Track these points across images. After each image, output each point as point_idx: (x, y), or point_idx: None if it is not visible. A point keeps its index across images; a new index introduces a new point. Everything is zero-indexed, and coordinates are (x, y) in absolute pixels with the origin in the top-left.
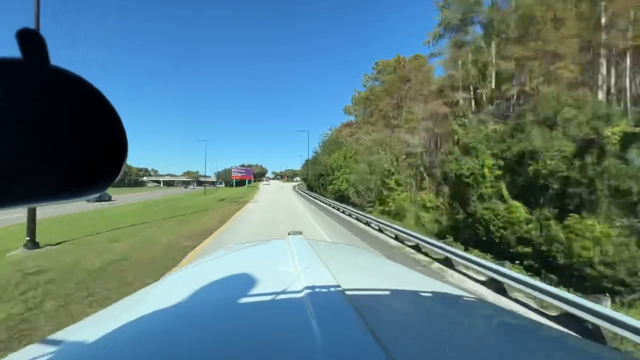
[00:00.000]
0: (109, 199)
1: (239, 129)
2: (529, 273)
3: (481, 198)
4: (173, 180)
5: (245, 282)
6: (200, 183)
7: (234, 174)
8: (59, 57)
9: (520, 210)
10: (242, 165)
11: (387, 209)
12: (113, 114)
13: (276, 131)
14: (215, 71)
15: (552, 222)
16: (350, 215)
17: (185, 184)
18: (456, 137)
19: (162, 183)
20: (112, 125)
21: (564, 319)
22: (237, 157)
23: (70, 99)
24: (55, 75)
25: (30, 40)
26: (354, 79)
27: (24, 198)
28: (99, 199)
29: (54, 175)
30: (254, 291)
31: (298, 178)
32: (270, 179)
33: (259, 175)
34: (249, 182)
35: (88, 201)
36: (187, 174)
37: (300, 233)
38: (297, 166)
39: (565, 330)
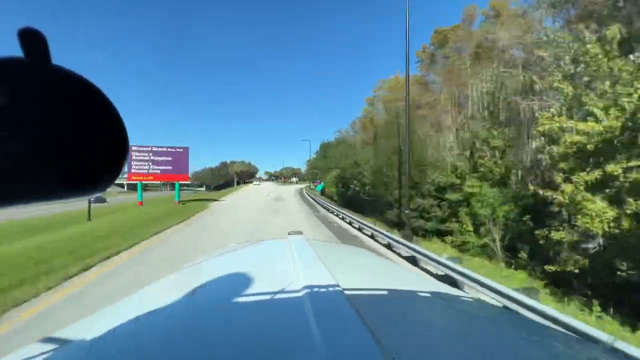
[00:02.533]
0: (104, 201)
1: (229, 127)
2: None
3: None
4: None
5: (245, 281)
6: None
7: (134, 170)
8: (59, 56)
9: None
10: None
11: None
12: (114, 113)
13: (269, 131)
14: (209, 68)
15: None
16: None
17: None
18: None
19: (125, 187)
20: (113, 125)
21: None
22: (228, 155)
23: (71, 99)
24: (57, 75)
25: (32, 39)
26: (354, 79)
27: (24, 197)
28: (97, 201)
29: (54, 174)
30: (254, 291)
31: (296, 179)
32: (262, 179)
33: (248, 175)
34: (181, 187)
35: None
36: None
37: (300, 233)
38: (297, 164)
39: (565, 330)
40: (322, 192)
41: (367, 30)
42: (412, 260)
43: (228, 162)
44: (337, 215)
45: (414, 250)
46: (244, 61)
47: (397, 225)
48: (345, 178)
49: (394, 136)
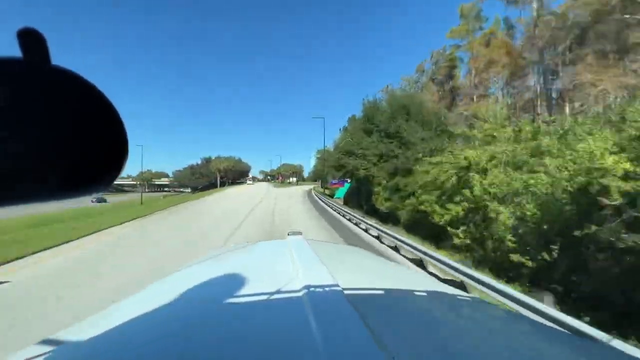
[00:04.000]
0: (105, 201)
1: (227, 127)
2: None
3: None
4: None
5: (245, 282)
6: (157, 187)
7: None
8: (59, 57)
9: None
10: None
11: None
12: (114, 113)
13: (267, 131)
14: (205, 66)
15: None
16: None
17: (132, 187)
18: None
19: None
20: (113, 125)
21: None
22: (215, 153)
23: (70, 99)
24: (56, 75)
25: (31, 39)
26: (354, 79)
27: (24, 197)
28: (98, 201)
29: (55, 174)
30: (253, 291)
31: (295, 179)
32: (257, 179)
33: (237, 174)
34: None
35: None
36: (140, 175)
37: (299, 233)
38: (299, 161)
39: (564, 330)
40: (345, 202)
41: (367, 29)
42: None
43: (213, 157)
44: None
45: None
46: (242, 60)
47: None
48: None
49: None
